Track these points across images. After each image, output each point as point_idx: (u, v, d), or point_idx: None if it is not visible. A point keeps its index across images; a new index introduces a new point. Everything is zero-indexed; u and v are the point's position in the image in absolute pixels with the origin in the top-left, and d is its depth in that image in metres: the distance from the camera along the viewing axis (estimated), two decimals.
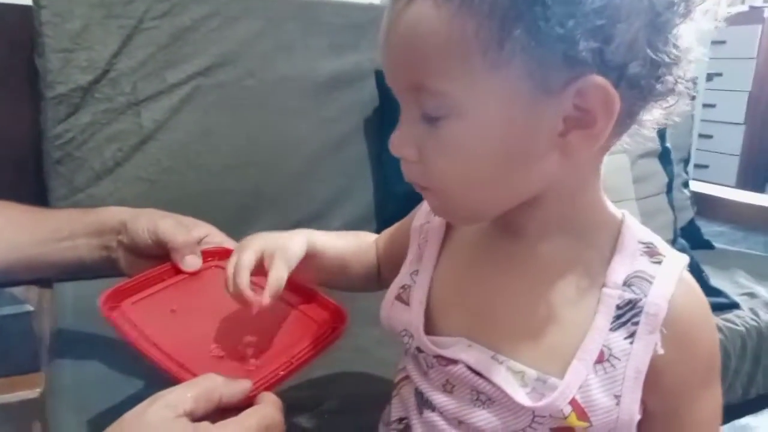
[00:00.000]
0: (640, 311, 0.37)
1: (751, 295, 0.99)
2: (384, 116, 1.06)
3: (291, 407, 0.61)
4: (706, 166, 2.66)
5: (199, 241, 0.59)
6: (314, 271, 0.51)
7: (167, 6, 0.94)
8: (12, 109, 0.91)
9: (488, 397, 0.39)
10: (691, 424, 0.39)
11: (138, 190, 0.93)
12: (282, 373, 0.44)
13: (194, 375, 0.41)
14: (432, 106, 0.34)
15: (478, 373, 0.39)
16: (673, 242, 0.98)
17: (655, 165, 0.97)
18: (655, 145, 0.96)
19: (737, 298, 0.96)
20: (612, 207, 0.41)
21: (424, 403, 0.43)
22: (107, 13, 0.90)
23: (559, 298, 0.39)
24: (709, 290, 0.95)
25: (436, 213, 0.42)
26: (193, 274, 0.56)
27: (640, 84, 0.33)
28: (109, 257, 0.62)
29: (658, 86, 0.34)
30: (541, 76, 0.32)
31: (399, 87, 0.36)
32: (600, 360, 0.37)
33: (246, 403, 0.40)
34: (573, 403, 0.36)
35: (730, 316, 0.92)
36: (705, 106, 2.47)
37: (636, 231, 0.39)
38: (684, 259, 0.39)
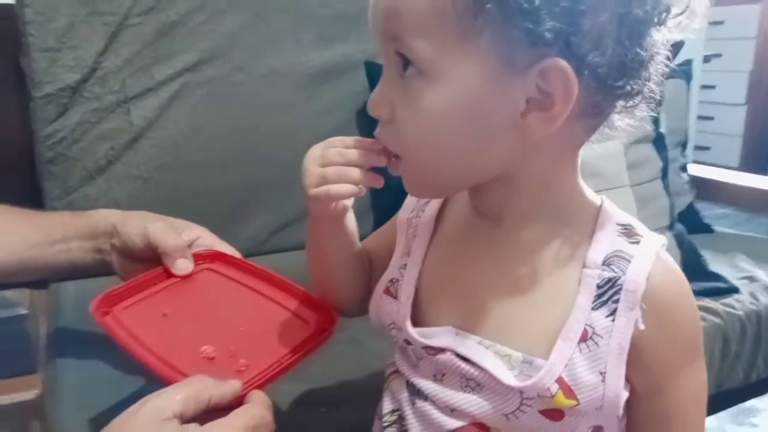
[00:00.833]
0: (620, 289, 0.38)
1: (751, 278, 0.98)
2: None
3: (286, 401, 0.61)
4: (707, 148, 2.65)
5: (190, 244, 0.59)
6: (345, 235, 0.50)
7: (152, 1, 0.93)
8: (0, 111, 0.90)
9: (477, 382, 0.40)
10: (676, 401, 0.40)
11: (131, 188, 0.93)
12: (272, 373, 0.44)
13: (185, 377, 0.41)
14: (407, 59, 0.35)
15: (465, 359, 0.40)
16: (670, 227, 0.97)
17: (649, 150, 0.96)
18: (649, 129, 0.95)
19: (737, 282, 0.95)
20: (591, 193, 0.42)
21: (415, 393, 0.44)
22: (91, 10, 0.89)
23: (541, 281, 0.40)
24: (708, 275, 0.95)
25: (408, 189, 0.42)
26: (185, 278, 0.55)
27: (604, 77, 0.34)
28: (103, 260, 0.62)
29: (624, 84, 0.35)
30: (508, 53, 0.33)
31: (378, 31, 0.37)
32: (584, 338, 0.38)
33: (236, 403, 0.41)
34: (559, 381, 0.37)
35: (729, 300, 0.91)
36: (704, 87, 2.44)
37: (614, 214, 0.41)
38: (661, 239, 0.40)
